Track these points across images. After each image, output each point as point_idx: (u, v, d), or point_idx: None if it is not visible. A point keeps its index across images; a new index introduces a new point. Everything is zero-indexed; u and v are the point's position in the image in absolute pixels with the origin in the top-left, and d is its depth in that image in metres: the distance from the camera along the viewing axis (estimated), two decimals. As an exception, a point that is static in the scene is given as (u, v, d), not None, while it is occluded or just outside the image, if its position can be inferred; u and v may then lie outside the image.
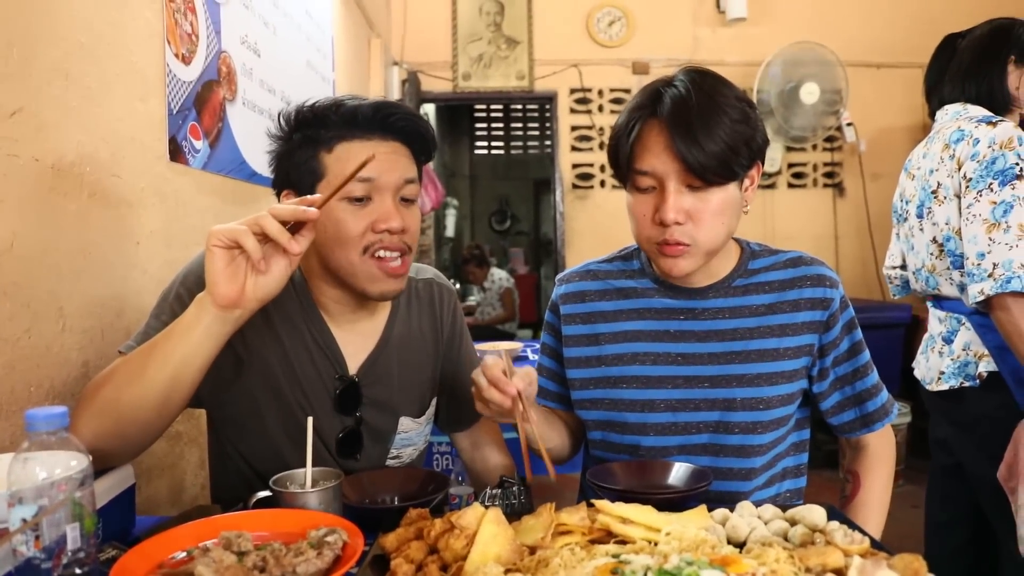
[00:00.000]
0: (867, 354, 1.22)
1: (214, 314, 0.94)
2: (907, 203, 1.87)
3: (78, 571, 0.71)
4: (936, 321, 1.83)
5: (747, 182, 1.14)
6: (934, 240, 1.73)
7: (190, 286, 1.11)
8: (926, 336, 1.90)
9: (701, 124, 1.04)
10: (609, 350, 1.22)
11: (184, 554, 0.80)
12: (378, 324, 1.25)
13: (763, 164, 1.16)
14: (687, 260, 1.11)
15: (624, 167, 1.12)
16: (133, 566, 0.74)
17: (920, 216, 1.78)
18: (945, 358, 1.75)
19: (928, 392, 1.83)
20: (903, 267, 2.01)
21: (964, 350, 1.70)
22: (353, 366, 1.21)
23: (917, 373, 1.89)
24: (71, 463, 0.72)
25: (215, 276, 0.93)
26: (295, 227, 0.95)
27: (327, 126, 1.12)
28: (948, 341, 1.76)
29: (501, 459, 1.41)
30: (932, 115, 1.86)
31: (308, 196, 0.98)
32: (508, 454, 1.43)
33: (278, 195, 1.18)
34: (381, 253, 1.11)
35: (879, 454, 1.25)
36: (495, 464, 1.40)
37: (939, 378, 1.75)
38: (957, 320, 1.73)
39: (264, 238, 0.93)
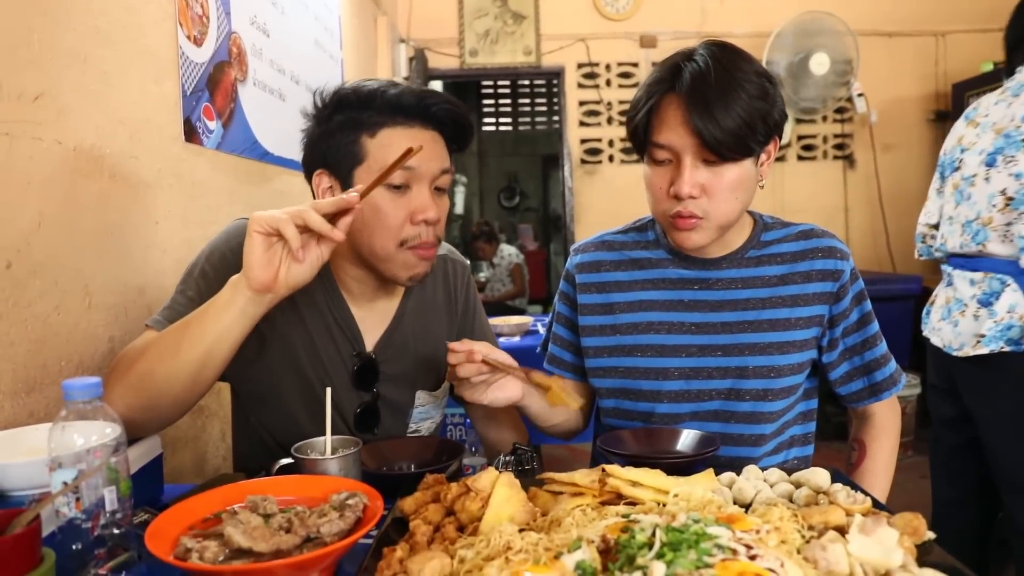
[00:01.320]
0: (876, 325, 1.24)
1: (248, 296, 0.96)
2: (963, 152, 1.79)
3: (115, 531, 0.75)
4: (966, 283, 1.76)
5: (763, 157, 1.15)
6: (1003, 192, 1.66)
7: (214, 263, 1.14)
8: (944, 300, 1.83)
9: (718, 100, 1.05)
10: (624, 319, 1.25)
11: (213, 517, 0.84)
12: (394, 301, 1.28)
13: (780, 139, 1.17)
14: (699, 233, 1.13)
15: (642, 139, 1.14)
16: (166, 527, 0.78)
17: (991, 164, 1.70)
18: (984, 321, 1.68)
19: (953, 359, 1.76)
20: (937, 226, 1.93)
21: (1009, 312, 1.64)
22: (370, 342, 1.24)
23: (936, 340, 1.83)
24: (106, 431, 0.76)
25: (252, 260, 0.95)
26: (333, 216, 0.97)
27: (371, 111, 1.11)
28: (986, 304, 1.70)
29: (514, 429, 1.45)
30: (1011, 73, 1.80)
31: (350, 189, 0.99)
32: (521, 424, 1.47)
33: (309, 175, 1.18)
34: (418, 248, 1.14)
35: (885, 424, 1.28)
36: (508, 434, 1.44)
37: (977, 342, 1.68)
38: (1000, 281, 1.68)
39: (304, 228, 0.95)
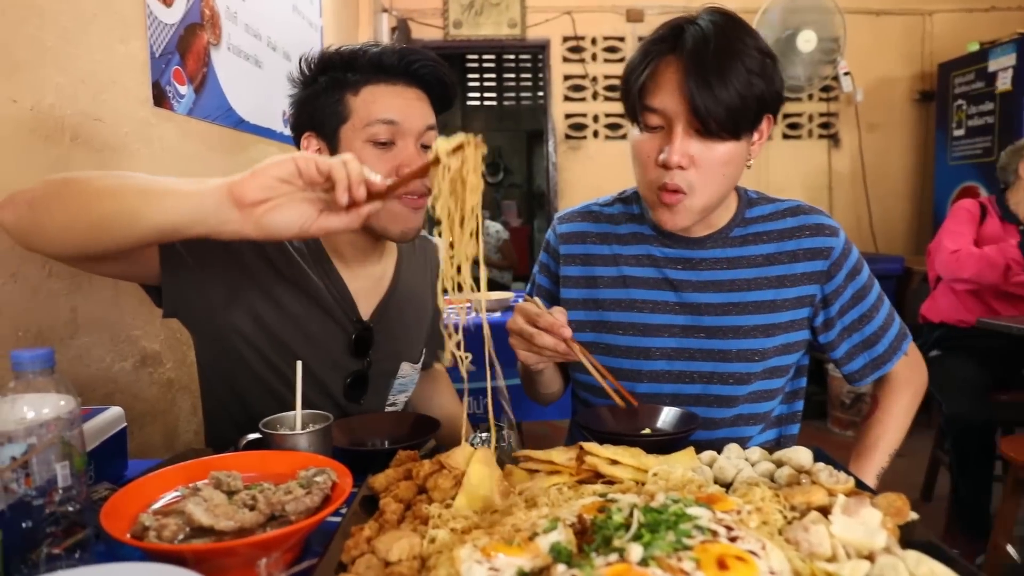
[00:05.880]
0: (873, 295, 1.20)
1: (218, 196, 0.85)
2: None
3: (70, 508, 0.71)
4: None
5: (756, 136, 1.11)
6: None
7: None
8: None
9: (716, 69, 1.01)
10: (606, 294, 1.22)
11: (175, 494, 0.81)
12: (387, 269, 1.27)
13: (775, 119, 1.13)
14: (682, 215, 1.09)
15: (635, 102, 1.09)
16: (124, 504, 0.75)
17: None
18: None
19: None
20: None
21: None
22: (364, 311, 1.22)
23: None
24: (59, 403, 0.72)
25: (258, 174, 0.84)
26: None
27: (354, 70, 1.12)
28: None
29: (454, 403, 1.48)
30: None
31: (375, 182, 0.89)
32: (459, 400, 1.49)
33: (297, 139, 1.18)
34: (405, 195, 1.12)
35: (901, 379, 1.24)
36: (448, 409, 1.46)
37: None
38: None
39: (330, 185, 0.87)
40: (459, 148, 0.86)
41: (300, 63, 1.17)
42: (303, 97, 1.16)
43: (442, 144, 0.87)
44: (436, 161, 0.87)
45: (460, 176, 0.87)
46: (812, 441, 1.29)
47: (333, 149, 1.13)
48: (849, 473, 0.83)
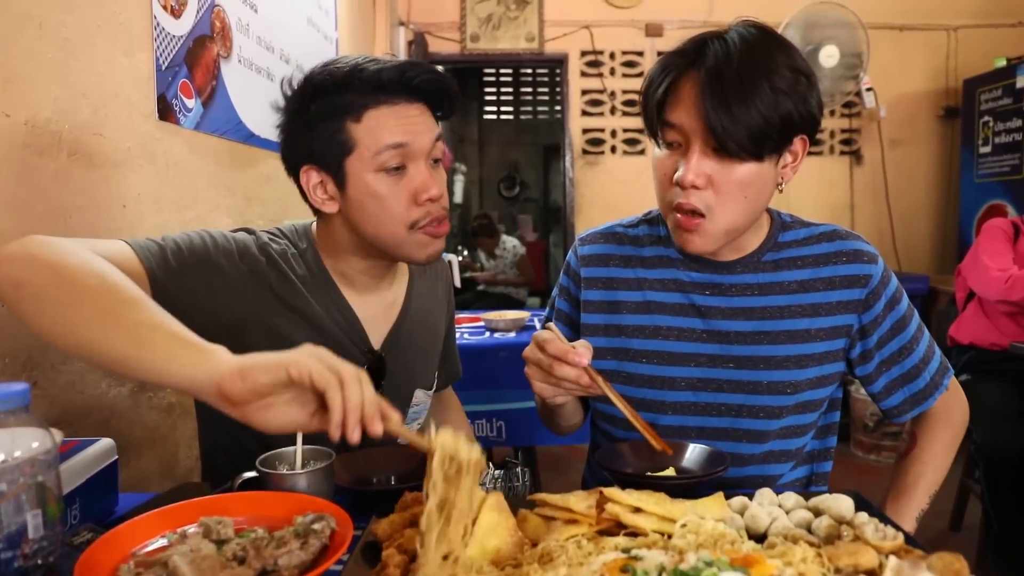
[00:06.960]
0: (913, 327, 1.13)
1: (202, 379, 0.73)
2: None
3: (39, 562, 0.65)
4: None
5: (788, 158, 1.05)
6: None
7: (209, 232, 1.05)
8: None
9: (736, 87, 0.94)
10: (629, 320, 1.15)
11: (162, 541, 0.74)
12: (398, 293, 1.21)
13: (811, 141, 1.07)
14: (702, 237, 1.03)
15: (652, 116, 1.03)
16: (102, 556, 0.68)
17: None
18: None
19: None
20: None
21: None
22: (375, 339, 1.16)
23: None
24: (33, 444, 0.66)
25: (248, 370, 0.72)
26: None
27: (350, 93, 1.03)
28: None
29: (462, 427, 1.43)
30: None
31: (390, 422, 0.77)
32: (468, 424, 1.45)
33: (294, 171, 1.08)
34: (428, 226, 1.06)
35: (942, 416, 1.16)
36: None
37: None
38: None
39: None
40: (458, 472, 0.72)
41: (283, 87, 1.07)
42: (295, 128, 1.07)
43: (440, 451, 0.73)
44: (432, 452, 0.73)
45: (450, 501, 0.71)
46: (834, 465, 1.23)
47: (340, 182, 1.05)
48: (897, 528, 0.75)
